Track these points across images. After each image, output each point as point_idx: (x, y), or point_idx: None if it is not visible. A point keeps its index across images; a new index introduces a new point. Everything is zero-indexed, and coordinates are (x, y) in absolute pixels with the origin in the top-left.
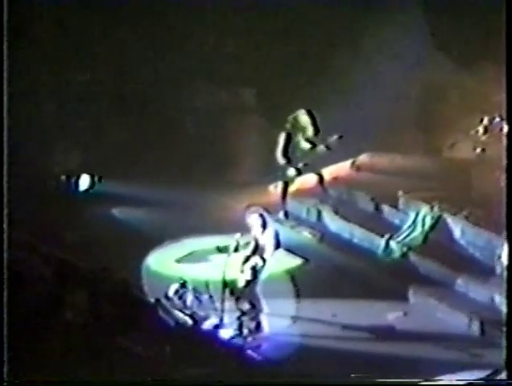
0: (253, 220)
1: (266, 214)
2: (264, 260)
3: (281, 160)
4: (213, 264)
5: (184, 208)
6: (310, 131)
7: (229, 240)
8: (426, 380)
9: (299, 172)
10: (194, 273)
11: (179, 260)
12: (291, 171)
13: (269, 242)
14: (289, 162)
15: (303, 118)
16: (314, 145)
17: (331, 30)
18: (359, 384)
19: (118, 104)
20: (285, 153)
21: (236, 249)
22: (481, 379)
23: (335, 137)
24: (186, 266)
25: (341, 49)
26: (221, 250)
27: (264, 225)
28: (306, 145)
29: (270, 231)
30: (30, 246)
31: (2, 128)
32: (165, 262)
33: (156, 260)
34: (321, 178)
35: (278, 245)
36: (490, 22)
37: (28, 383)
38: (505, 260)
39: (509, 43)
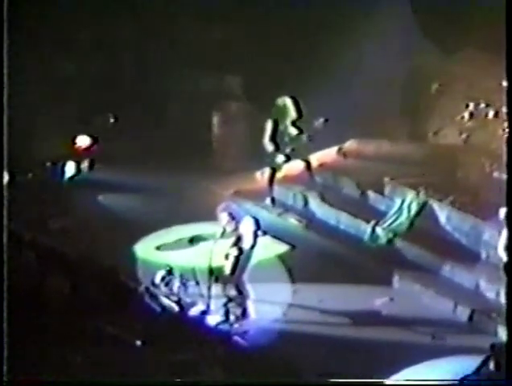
0: (223, 218)
1: (234, 210)
2: (242, 250)
3: (268, 146)
4: (199, 251)
5: (171, 195)
6: (294, 117)
7: (215, 228)
8: (426, 380)
9: (287, 158)
10: (180, 259)
11: (165, 247)
12: (279, 158)
13: (248, 232)
14: (277, 148)
15: (287, 104)
16: (301, 131)
17: (319, 17)
18: (359, 384)
19: (105, 91)
20: (272, 140)
21: (222, 236)
22: (481, 379)
23: (321, 120)
24: (172, 253)
25: (328, 36)
26: (194, 241)
27: (236, 219)
28: (293, 131)
29: (247, 221)
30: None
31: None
32: (152, 249)
33: (143, 247)
34: (308, 165)
35: (257, 233)
36: (481, 9)
37: (28, 382)
38: (503, 255)
39: (509, 31)
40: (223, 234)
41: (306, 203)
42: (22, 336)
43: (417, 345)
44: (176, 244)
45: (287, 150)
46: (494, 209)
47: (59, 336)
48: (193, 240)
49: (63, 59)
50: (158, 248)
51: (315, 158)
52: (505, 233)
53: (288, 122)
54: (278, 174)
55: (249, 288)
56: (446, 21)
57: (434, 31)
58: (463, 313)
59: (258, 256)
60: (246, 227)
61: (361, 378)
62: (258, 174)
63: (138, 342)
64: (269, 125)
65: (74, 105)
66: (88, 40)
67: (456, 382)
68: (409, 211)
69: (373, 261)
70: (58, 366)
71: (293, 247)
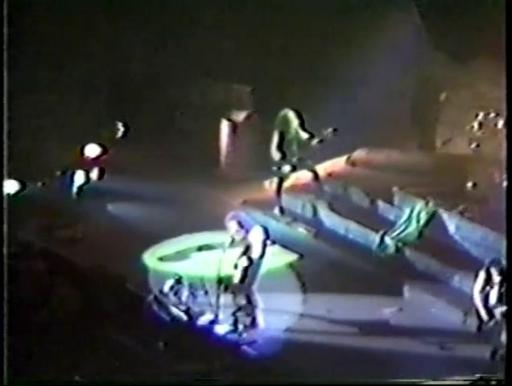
0: (232, 227)
1: (243, 219)
2: (251, 260)
3: (276, 156)
4: (208, 261)
5: (180, 204)
6: (297, 125)
7: (223, 237)
8: (426, 380)
9: (294, 168)
10: (189, 269)
11: (174, 257)
12: (286, 168)
13: (256, 241)
14: (284, 158)
15: (290, 116)
16: (312, 135)
17: (327, 26)
18: (359, 385)
19: (114, 101)
20: (280, 150)
21: (230, 245)
22: (481, 380)
23: (330, 130)
24: (181, 262)
25: (339, 47)
26: (204, 249)
27: (245, 229)
28: (304, 136)
29: (257, 230)
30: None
31: (1, 124)
32: (161, 259)
33: (152, 256)
34: (316, 175)
35: (266, 242)
36: (489, 19)
37: (28, 383)
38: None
39: (509, 40)
40: (232, 243)
41: (315, 212)
42: (27, 344)
43: (426, 355)
44: (184, 254)
45: (294, 160)
46: (504, 219)
47: (67, 345)
48: (202, 249)
49: (73, 68)
50: (165, 258)
51: (324, 168)
52: (482, 275)
53: (295, 130)
54: (287, 184)
55: (258, 297)
56: (455, 31)
57: (443, 41)
58: (472, 323)
59: (266, 265)
60: (255, 237)
61: None
62: (266, 184)
63: (147, 351)
64: (276, 136)
65: (84, 115)
66: (98, 51)
67: (456, 382)
68: (418, 220)
69: (381, 271)
70: (63, 375)
71: (301, 256)
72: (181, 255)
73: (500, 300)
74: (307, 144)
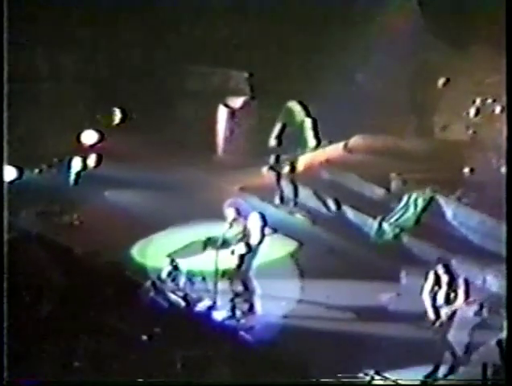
0: (230, 214)
1: (241, 205)
2: (250, 246)
3: (274, 144)
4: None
5: (177, 191)
6: (303, 119)
7: (221, 225)
8: (426, 380)
9: (292, 155)
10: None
11: (177, 253)
12: (285, 154)
13: (255, 228)
14: (281, 145)
15: (296, 109)
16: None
17: (327, 13)
18: (359, 384)
19: (111, 88)
20: (279, 139)
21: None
22: (481, 379)
23: (325, 142)
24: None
25: (336, 32)
26: (209, 243)
27: (243, 215)
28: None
29: (254, 217)
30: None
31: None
32: (158, 246)
33: (149, 243)
34: (314, 161)
35: (264, 229)
36: (485, 6)
37: (28, 383)
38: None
39: (509, 28)
40: (229, 229)
41: (313, 199)
42: (24, 334)
43: (424, 341)
44: (188, 249)
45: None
46: (501, 204)
47: (65, 330)
48: (206, 245)
49: (71, 55)
50: (169, 255)
51: (321, 154)
52: (431, 277)
53: (300, 124)
54: (285, 171)
55: (256, 283)
56: (453, 16)
57: (441, 27)
58: (470, 308)
59: (264, 251)
60: (253, 223)
61: (368, 374)
62: (264, 170)
63: (144, 338)
64: (277, 127)
65: (81, 101)
66: (94, 37)
67: (456, 382)
68: (415, 206)
69: (379, 257)
70: (60, 360)
71: (300, 243)
72: (184, 251)
73: (447, 300)
74: (309, 148)
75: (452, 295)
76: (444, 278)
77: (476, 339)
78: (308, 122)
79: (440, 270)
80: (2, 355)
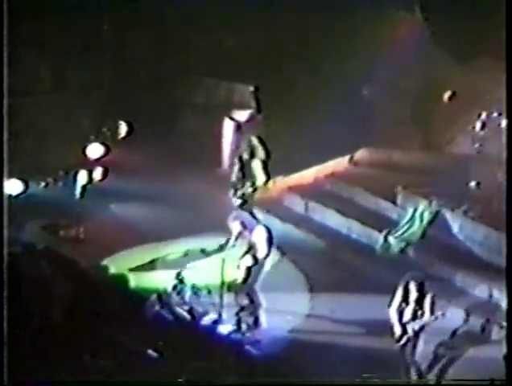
0: (235, 227)
1: (246, 219)
2: (256, 259)
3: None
4: (211, 260)
5: (182, 204)
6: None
7: (225, 238)
8: (426, 380)
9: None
10: (193, 268)
11: (178, 257)
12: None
13: (261, 242)
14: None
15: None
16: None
17: (330, 25)
18: (359, 385)
19: (117, 101)
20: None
21: (233, 245)
22: (482, 380)
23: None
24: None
25: (341, 45)
26: (207, 253)
27: (248, 228)
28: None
29: (260, 230)
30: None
31: (1, 124)
32: (163, 258)
33: (153, 255)
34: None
35: (271, 243)
36: (490, 20)
37: (28, 383)
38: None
39: (509, 40)
40: (235, 243)
41: (318, 212)
42: (29, 347)
43: (429, 355)
44: (187, 256)
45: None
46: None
47: (70, 344)
48: (205, 251)
49: (76, 67)
50: (173, 256)
51: (327, 167)
52: (399, 292)
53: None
54: (290, 183)
55: (262, 297)
56: (458, 30)
57: (446, 41)
58: (475, 323)
59: (269, 265)
60: (259, 236)
61: None
62: (269, 183)
63: (150, 351)
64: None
65: (87, 114)
66: (101, 50)
67: (457, 382)
68: (421, 220)
69: (385, 270)
70: (65, 373)
71: (305, 256)
72: (183, 259)
73: (414, 317)
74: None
75: (419, 312)
76: (413, 295)
77: (483, 354)
78: (260, 158)
79: (412, 286)
80: (2, 355)
